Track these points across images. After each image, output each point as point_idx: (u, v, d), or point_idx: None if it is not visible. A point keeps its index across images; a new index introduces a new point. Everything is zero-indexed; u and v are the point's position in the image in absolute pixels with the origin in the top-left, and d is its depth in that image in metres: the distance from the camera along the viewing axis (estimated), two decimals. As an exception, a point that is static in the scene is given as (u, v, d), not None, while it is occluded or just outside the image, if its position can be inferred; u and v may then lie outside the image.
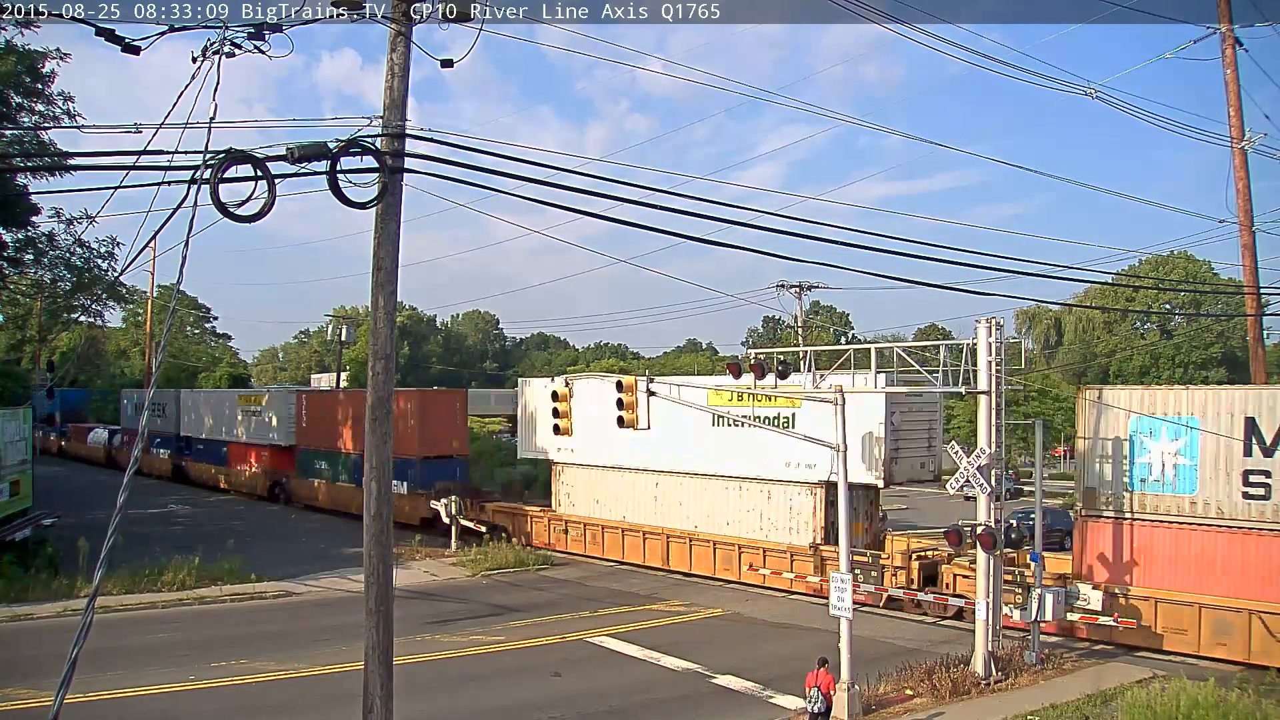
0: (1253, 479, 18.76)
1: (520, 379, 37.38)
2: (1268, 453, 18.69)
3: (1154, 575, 19.90)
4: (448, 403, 37.06)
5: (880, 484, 24.34)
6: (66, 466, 57.40)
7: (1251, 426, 18.91)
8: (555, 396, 19.88)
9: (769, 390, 20.02)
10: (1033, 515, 22.49)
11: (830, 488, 23.88)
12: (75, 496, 39.29)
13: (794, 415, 25.07)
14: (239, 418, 45.77)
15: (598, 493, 30.90)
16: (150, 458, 52.53)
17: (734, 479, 26.95)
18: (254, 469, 45.04)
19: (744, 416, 24.65)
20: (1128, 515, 20.42)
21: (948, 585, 22.65)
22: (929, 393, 24.00)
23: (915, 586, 22.82)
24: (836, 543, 22.46)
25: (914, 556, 23.36)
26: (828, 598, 24.77)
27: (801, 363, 22.47)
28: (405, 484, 34.26)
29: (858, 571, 22.41)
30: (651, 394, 18.12)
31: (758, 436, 24.78)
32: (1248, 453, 18.87)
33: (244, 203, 9.34)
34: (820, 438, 19.14)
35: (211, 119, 9.38)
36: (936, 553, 23.46)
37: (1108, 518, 20.67)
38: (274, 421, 43.20)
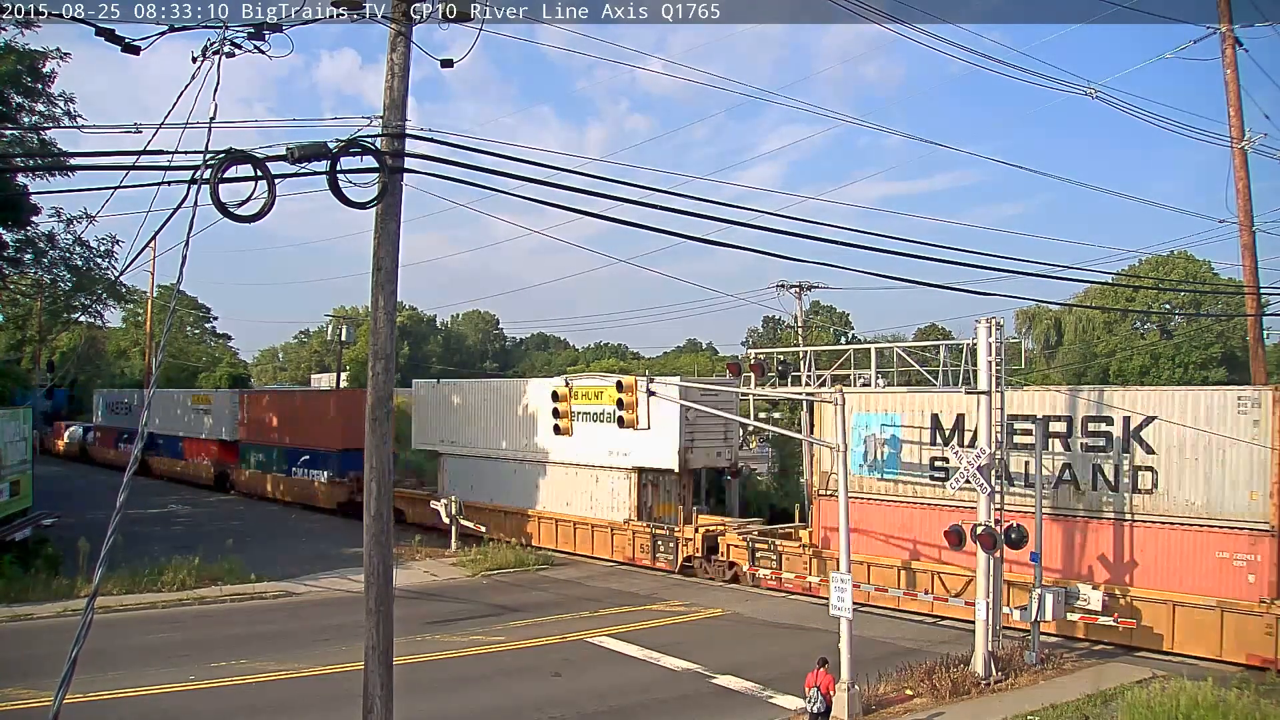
0: (936, 464, 22.93)
1: (415, 381, 41.67)
2: (945, 443, 22.49)
3: (870, 545, 23.90)
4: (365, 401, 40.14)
5: (676, 469, 28.51)
6: (42, 461, 58.33)
7: (935, 422, 23.00)
8: (556, 397, 20.50)
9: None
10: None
11: (642, 472, 29.24)
12: (74, 496, 39.30)
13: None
14: (192, 415, 50.30)
15: (472, 479, 34.76)
16: (117, 452, 56.90)
17: (575, 466, 31.03)
18: (204, 461, 49.18)
19: (583, 413, 28.99)
20: (852, 495, 21.63)
21: (723, 554, 27.24)
22: (725, 393, 28.34)
23: (700, 555, 27.46)
24: (644, 519, 29.39)
25: (698, 530, 27.67)
26: (640, 564, 28.87)
27: (801, 363, 22.54)
28: (326, 473, 39.80)
29: (660, 543, 28.55)
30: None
31: (595, 431, 28.96)
32: (933, 442, 22.94)
33: (244, 203, 9.35)
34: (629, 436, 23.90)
35: (211, 119, 9.38)
36: (719, 528, 27.86)
37: (831, 495, 24.14)
38: (220, 419, 47.38)
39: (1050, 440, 20.94)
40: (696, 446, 28.39)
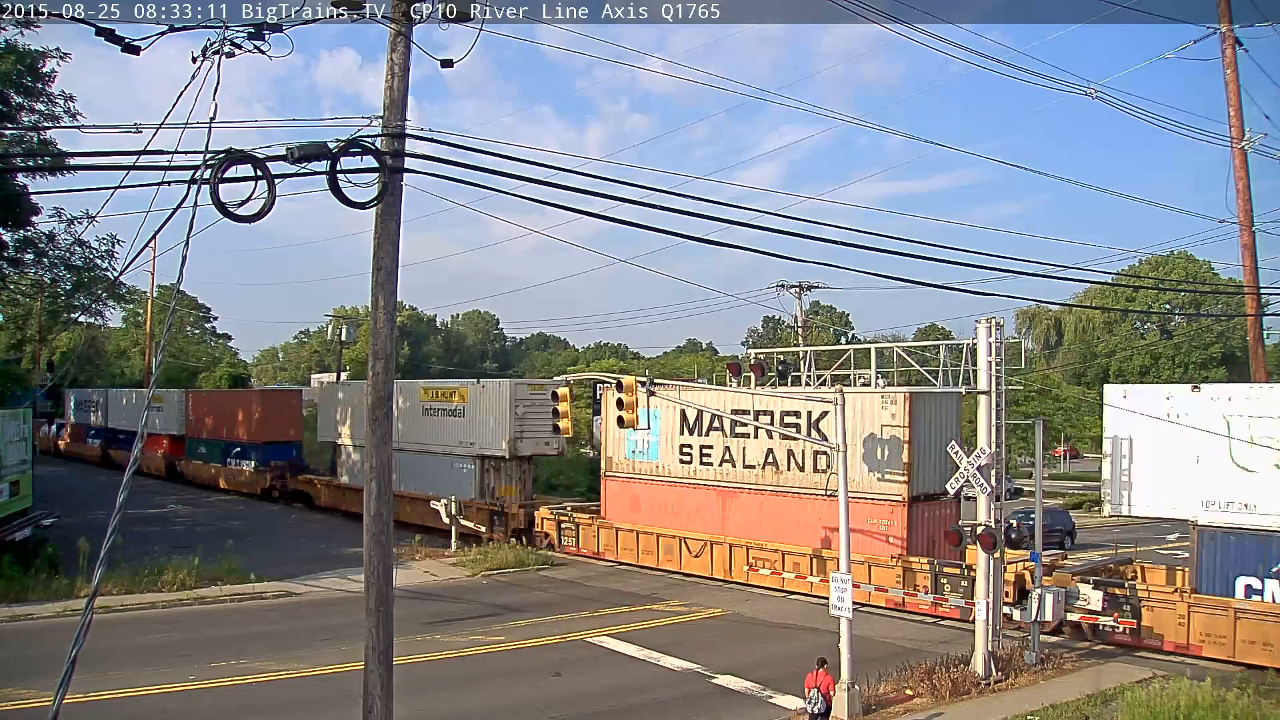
0: (684, 450, 28.76)
1: (314, 376, 47.48)
2: (693, 432, 28.44)
3: (644, 516, 29.60)
4: (286, 399, 47.76)
5: (506, 455, 33.09)
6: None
7: (683, 416, 28.52)
8: (555, 397, 20.57)
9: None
10: (1032, 515, 22.50)
11: (484, 459, 33.79)
12: (71, 496, 39.30)
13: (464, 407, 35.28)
14: (149, 410, 52.94)
15: (358, 466, 38.67)
16: (85, 446, 61.03)
17: (442, 454, 35.61)
18: (157, 454, 53.18)
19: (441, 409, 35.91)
20: (627, 475, 30.40)
21: (539, 528, 31.88)
22: (553, 388, 30.34)
23: (522, 529, 31.85)
24: (484, 498, 33.74)
25: (521, 507, 32.55)
26: (479, 534, 32.26)
27: (801, 363, 22.55)
28: (252, 462, 44.64)
29: (496, 519, 32.62)
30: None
31: (453, 422, 35.22)
32: (682, 433, 28.65)
33: (244, 203, 9.35)
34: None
35: (211, 119, 9.38)
36: (537, 505, 33.04)
37: (615, 476, 30.78)
38: (170, 416, 51.54)
39: (757, 430, 26.44)
40: (525, 436, 33.01)
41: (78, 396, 64.87)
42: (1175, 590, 20.20)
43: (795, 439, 25.12)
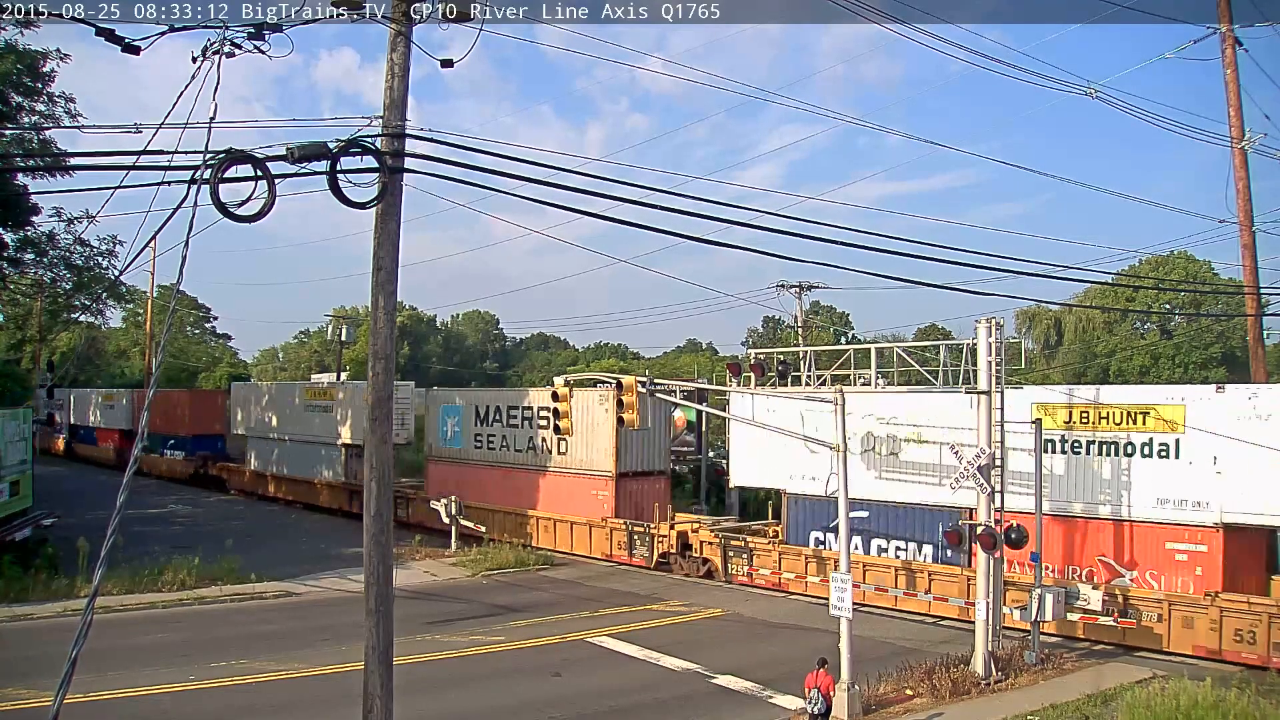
0: (477, 437, 35.39)
1: (233, 384, 53.62)
2: (486, 423, 35.21)
3: (472, 495, 33.65)
4: (211, 398, 55.24)
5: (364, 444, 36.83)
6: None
7: (475, 409, 35.75)
8: (555, 398, 20.46)
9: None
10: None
11: (349, 448, 39.26)
12: (71, 496, 39.30)
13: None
14: (103, 410, 61.22)
15: (270, 453, 45.49)
16: (52, 441, 66.18)
17: (319, 443, 41.21)
18: (110, 446, 59.80)
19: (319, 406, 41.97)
20: (442, 459, 37.00)
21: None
22: (402, 387, 37.12)
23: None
24: (349, 479, 39.16)
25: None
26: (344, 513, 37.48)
27: (801, 363, 22.54)
28: (182, 453, 52.43)
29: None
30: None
31: (327, 416, 41.14)
32: (476, 424, 35.46)
33: (244, 203, 9.35)
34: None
35: (211, 119, 9.38)
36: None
37: (435, 459, 37.35)
38: (121, 412, 58.23)
39: (512, 423, 34.23)
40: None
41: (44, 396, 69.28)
42: (769, 541, 26.84)
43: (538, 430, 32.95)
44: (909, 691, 16.66)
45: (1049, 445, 20.92)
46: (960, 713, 15.84)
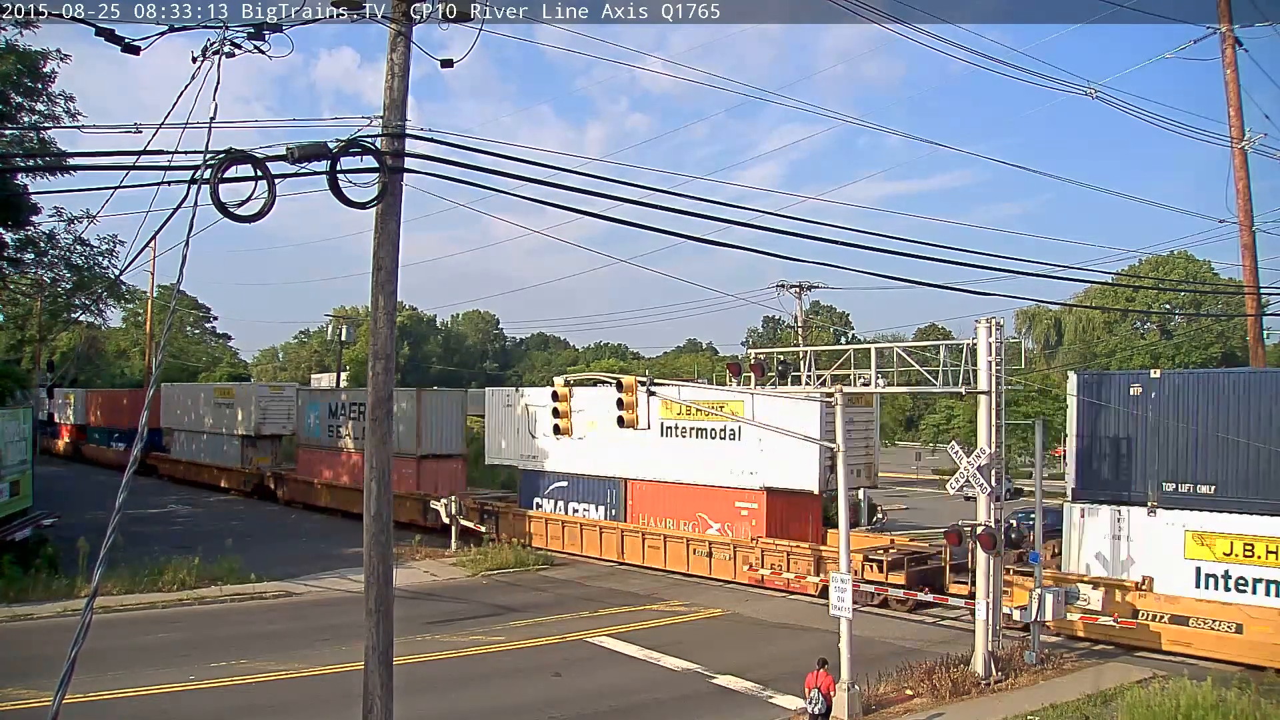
0: (330, 429, 41.19)
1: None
2: (335, 416, 40.94)
3: (326, 474, 40.73)
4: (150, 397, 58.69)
5: (254, 435, 46.24)
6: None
7: (329, 406, 41.73)
8: (555, 398, 20.35)
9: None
10: (1032, 515, 22.51)
11: (245, 438, 46.72)
12: (72, 496, 39.28)
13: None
14: (61, 407, 66.95)
15: (187, 444, 53.20)
16: (53, 441, 69.78)
17: (223, 435, 48.79)
18: (67, 439, 67.77)
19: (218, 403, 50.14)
20: (308, 447, 42.78)
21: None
22: (287, 387, 46.24)
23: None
24: (245, 465, 46.91)
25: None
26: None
27: (801, 363, 22.51)
28: (124, 444, 57.12)
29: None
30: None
31: (229, 411, 48.26)
32: (329, 418, 41.18)
33: (244, 203, 9.34)
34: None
35: (211, 119, 9.37)
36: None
37: (303, 447, 43.24)
38: (77, 409, 65.43)
39: (350, 417, 39.71)
40: (268, 422, 46.73)
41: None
42: (506, 505, 34.21)
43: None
44: (909, 691, 16.66)
45: (668, 431, 28.63)
46: (960, 713, 15.84)
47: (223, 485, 48.25)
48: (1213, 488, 19.89)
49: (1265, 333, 26.77)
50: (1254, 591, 18.81)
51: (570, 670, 18.62)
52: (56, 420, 68.04)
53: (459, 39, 11.98)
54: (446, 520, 31.53)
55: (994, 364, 18.18)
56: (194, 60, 9.99)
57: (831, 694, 14.44)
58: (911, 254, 14.52)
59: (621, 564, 29.56)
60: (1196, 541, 19.68)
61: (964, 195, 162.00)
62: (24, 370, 47.28)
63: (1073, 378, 22.99)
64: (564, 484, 32.08)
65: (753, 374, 27.09)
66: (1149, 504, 20.39)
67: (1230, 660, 18.32)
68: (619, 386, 19.50)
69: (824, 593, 22.01)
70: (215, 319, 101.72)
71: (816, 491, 25.87)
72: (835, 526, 22.11)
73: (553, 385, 20.11)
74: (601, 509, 31.14)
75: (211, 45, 9.99)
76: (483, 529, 32.28)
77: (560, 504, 32.46)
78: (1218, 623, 18.91)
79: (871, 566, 23.84)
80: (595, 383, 29.48)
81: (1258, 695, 14.60)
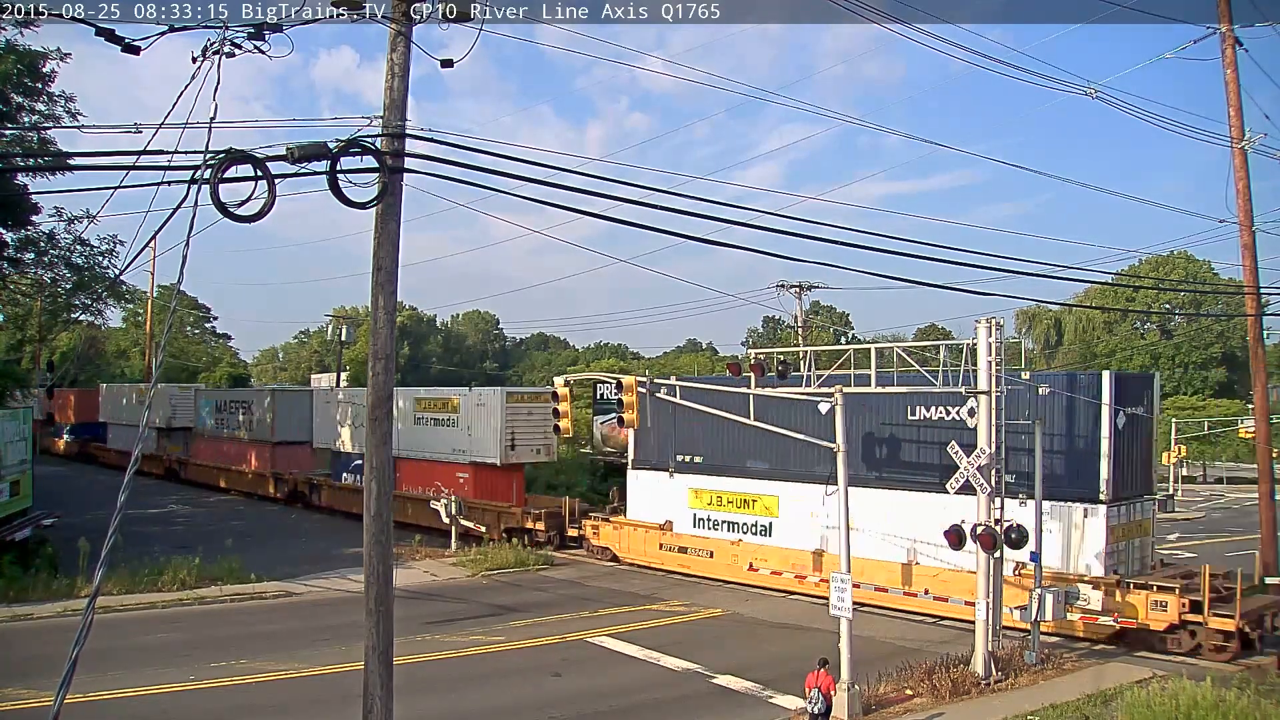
0: (218, 421, 48.41)
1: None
2: (224, 412, 48.26)
3: (220, 460, 48.34)
4: (92, 395, 62.89)
5: (165, 427, 52.61)
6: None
7: (216, 403, 50.04)
8: (555, 397, 20.59)
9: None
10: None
11: (160, 430, 52.36)
12: (73, 496, 39.31)
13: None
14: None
15: (121, 437, 57.11)
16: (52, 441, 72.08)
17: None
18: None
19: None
20: (203, 437, 50.25)
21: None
22: (187, 388, 51.24)
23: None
24: (161, 454, 54.33)
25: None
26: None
27: (801, 363, 22.50)
28: (70, 437, 64.45)
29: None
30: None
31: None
32: (217, 413, 48.46)
33: (244, 203, 9.34)
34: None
35: (211, 119, 9.37)
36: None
37: (200, 437, 50.36)
38: (39, 405, 65.36)
39: (230, 413, 47.21)
40: (176, 418, 54.14)
41: None
42: (325, 479, 41.56)
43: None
44: (909, 691, 16.66)
45: (420, 420, 36.46)
46: (960, 713, 15.84)
47: (142, 469, 52.53)
48: (701, 458, 28.15)
49: (1265, 333, 26.75)
50: (717, 529, 27.59)
51: (570, 670, 18.62)
52: (57, 420, 68.45)
53: (459, 39, 11.94)
54: (446, 520, 31.53)
55: (994, 364, 18.17)
56: (194, 60, 9.98)
57: (831, 694, 14.44)
58: (911, 254, 14.52)
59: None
60: (694, 495, 28.34)
61: (964, 195, 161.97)
62: (24, 370, 47.29)
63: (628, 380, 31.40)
64: (359, 462, 36.69)
65: (753, 374, 27.10)
66: (669, 470, 28.85)
67: (709, 576, 27.37)
68: (619, 387, 19.62)
69: (509, 534, 31.65)
70: (215, 319, 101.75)
71: (499, 464, 32.92)
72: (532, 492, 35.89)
73: (553, 385, 20.28)
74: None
75: (211, 45, 9.98)
76: (335, 502, 40.13)
77: (356, 477, 38.17)
78: (701, 551, 27.74)
79: None
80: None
81: (1258, 695, 14.60)
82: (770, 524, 26.36)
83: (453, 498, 31.99)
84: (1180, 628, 19.35)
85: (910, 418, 22.18)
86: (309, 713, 16.14)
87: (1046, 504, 19.80)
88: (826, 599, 17.60)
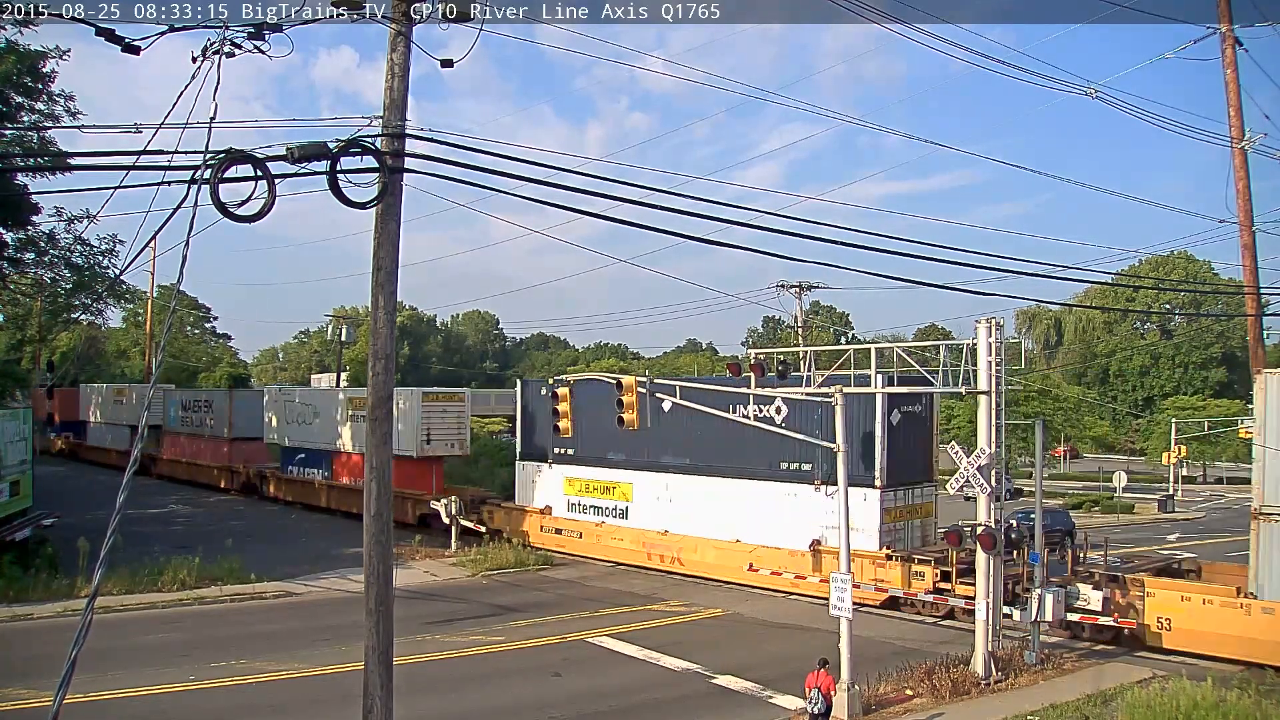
0: (184, 419, 52.19)
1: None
2: (191, 410, 51.13)
3: (188, 455, 51.67)
4: (71, 394, 65.14)
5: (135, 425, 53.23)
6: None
7: (182, 401, 53.12)
8: (555, 398, 20.56)
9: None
10: (1032, 515, 22.50)
11: (131, 428, 53.52)
12: (74, 496, 39.30)
13: None
14: None
15: (100, 435, 61.28)
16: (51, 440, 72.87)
17: (121, 426, 57.53)
18: None
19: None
20: (171, 433, 53.58)
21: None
22: (164, 388, 52.81)
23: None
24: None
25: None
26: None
27: (801, 363, 22.50)
28: (54, 434, 64.69)
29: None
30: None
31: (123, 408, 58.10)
32: (183, 411, 51.74)
33: (244, 203, 9.32)
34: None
35: (211, 119, 9.36)
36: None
37: (167, 433, 53.97)
38: (21, 401, 72.49)
39: (195, 411, 50.50)
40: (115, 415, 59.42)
41: None
42: (274, 470, 45.05)
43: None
44: (909, 691, 16.66)
45: (352, 418, 39.05)
46: (960, 713, 15.84)
47: (113, 462, 56.55)
48: (573, 451, 31.54)
49: (1265, 333, 26.73)
50: (585, 513, 31.39)
51: (570, 670, 18.62)
52: (56, 419, 68.59)
53: (459, 39, 11.92)
54: (446, 520, 31.54)
55: (994, 364, 18.17)
56: (194, 60, 9.97)
57: (831, 694, 14.44)
58: (911, 254, 14.51)
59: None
60: (568, 484, 32.21)
61: (964, 195, 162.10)
62: (24, 370, 47.29)
63: (521, 383, 37.16)
64: (303, 455, 42.66)
65: (752, 374, 27.13)
66: (549, 461, 32.65)
67: (581, 554, 30.98)
68: (619, 386, 19.62)
69: (421, 520, 34.22)
70: (215, 319, 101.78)
71: (415, 456, 35.67)
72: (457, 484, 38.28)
73: (551, 385, 20.38)
74: (320, 472, 41.68)
75: (211, 45, 9.97)
76: (282, 493, 43.61)
77: (300, 470, 42.89)
78: (573, 532, 31.39)
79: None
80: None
81: (1258, 695, 14.61)
82: (627, 508, 30.27)
83: (453, 499, 32.02)
84: (936, 593, 22.34)
85: (728, 415, 23.45)
86: (309, 713, 16.13)
87: (829, 488, 23.45)
88: (664, 571, 27.50)
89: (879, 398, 23.45)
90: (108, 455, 57.98)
